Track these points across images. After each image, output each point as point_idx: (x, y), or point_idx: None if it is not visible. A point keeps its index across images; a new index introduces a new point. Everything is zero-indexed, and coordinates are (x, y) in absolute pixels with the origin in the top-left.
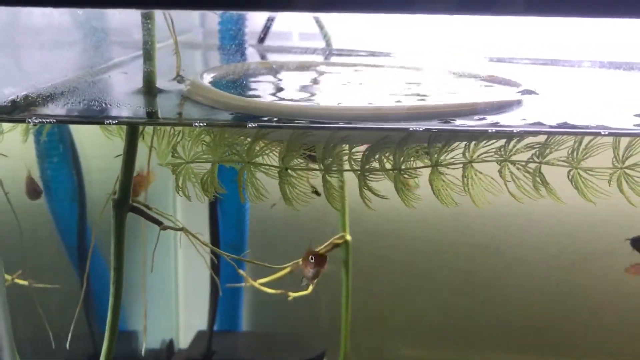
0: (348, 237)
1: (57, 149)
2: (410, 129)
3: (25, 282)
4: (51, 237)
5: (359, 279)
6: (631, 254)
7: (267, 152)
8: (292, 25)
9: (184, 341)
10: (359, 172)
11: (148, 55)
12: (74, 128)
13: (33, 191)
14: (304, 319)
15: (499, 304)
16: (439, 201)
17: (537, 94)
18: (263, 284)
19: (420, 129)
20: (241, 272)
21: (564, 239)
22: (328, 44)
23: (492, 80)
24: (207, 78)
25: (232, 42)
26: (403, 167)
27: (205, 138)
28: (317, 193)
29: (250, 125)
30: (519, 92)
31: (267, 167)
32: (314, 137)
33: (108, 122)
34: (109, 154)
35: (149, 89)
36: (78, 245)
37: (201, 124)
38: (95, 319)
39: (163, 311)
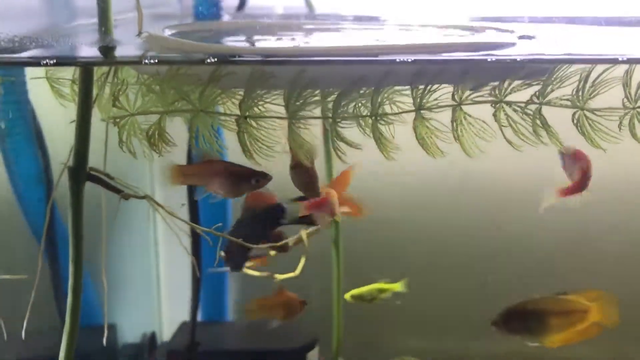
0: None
1: (21, 128)
2: (397, 59)
3: None
4: (17, 222)
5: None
6: None
7: (223, 101)
8: None
9: (168, 334)
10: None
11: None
12: (37, 104)
13: None
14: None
15: (496, 284)
16: (424, 150)
17: (535, 37)
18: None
19: (409, 60)
20: (223, 254)
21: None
22: (311, 9)
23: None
24: (168, 32)
25: (206, 8)
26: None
27: (151, 85)
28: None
29: (208, 60)
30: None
31: (222, 115)
32: (276, 80)
33: (47, 62)
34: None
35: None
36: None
37: (152, 61)
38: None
39: (144, 303)
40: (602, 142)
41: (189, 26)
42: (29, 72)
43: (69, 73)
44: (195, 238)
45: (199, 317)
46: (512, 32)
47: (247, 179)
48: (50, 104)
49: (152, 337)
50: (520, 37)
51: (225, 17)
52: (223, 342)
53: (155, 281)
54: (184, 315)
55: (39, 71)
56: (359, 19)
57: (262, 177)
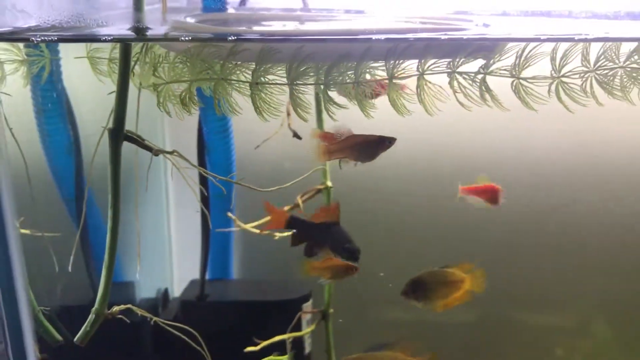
0: (329, 183)
1: (55, 105)
2: (373, 38)
3: (26, 232)
4: (49, 190)
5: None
6: None
7: (239, 71)
8: None
9: (178, 291)
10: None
11: None
12: (69, 84)
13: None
14: (292, 267)
15: (483, 254)
16: (395, 111)
17: (489, 25)
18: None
19: (382, 38)
20: (230, 214)
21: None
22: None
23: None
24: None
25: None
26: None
27: (184, 58)
28: (298, 136)
29: (230, 38)
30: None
31: (238, 82)
32: (281, 54)
33: (104, 38)
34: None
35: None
36: (75, 199)
37: (186, 38)
38: (93, 270)
39: (158, 264)
40: (535, 105)
41: (203, 16)
42: (68, 53)
43: (106, 53)
44: (206, 203)
45: (207, 276)
46: (471, 21)
47: (381, 143)
48: (78, 83)
49: (166, 293)
50: (477, 25)
51: (230, 11)
52: (227, 295)
53: (167, 244)
54: (193, 274)
55: (80, 51)
56: (347, 12)
57: (392, 140)
